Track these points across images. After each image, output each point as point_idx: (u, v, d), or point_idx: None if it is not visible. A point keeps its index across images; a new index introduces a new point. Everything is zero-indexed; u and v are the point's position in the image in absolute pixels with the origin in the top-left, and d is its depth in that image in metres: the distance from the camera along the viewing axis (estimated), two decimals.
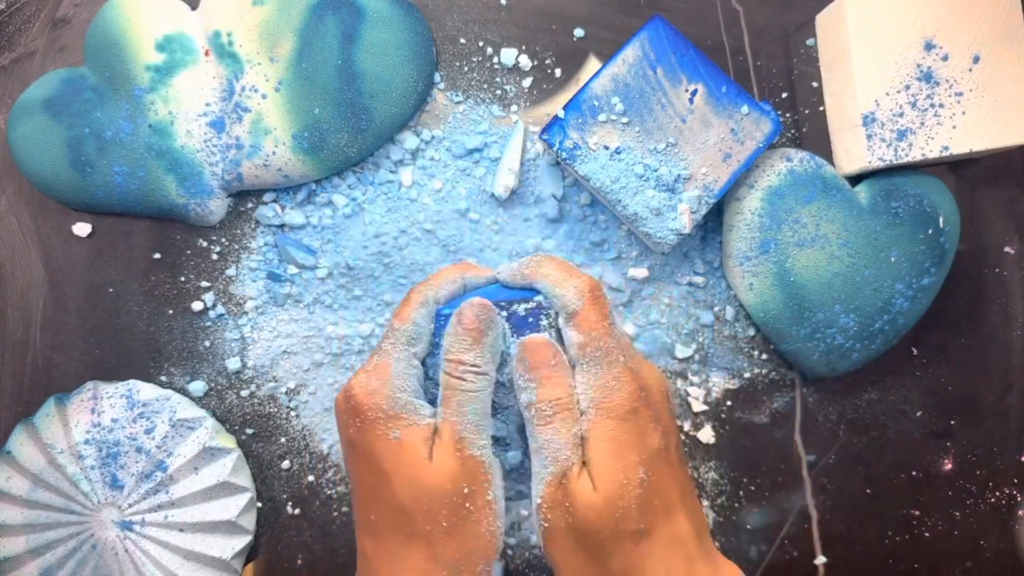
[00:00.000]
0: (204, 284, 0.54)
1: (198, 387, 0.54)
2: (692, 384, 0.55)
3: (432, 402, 0.40)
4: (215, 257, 0.54)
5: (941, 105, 0.50)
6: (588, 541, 0.37)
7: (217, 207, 0.53)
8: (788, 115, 0.55)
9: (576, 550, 0.37)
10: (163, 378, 0.54)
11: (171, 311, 0.54)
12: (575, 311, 0.40)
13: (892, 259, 0.51)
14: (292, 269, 0.54)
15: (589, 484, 0.37)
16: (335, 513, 0.55)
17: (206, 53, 0.51)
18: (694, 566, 0.38)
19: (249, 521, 0.53)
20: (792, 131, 0.55)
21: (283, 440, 0.55)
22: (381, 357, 0.40)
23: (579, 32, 0.54)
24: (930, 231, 0.51)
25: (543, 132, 0.50)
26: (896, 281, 0.51)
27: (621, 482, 0.37)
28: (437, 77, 0.54)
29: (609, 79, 0.49)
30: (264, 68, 0.50)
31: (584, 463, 0.38)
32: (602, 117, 0.49)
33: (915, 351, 0.56)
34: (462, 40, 0.54)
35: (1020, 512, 0.57)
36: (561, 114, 0.49)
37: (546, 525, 0.38)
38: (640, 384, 0.39)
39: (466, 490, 0.37)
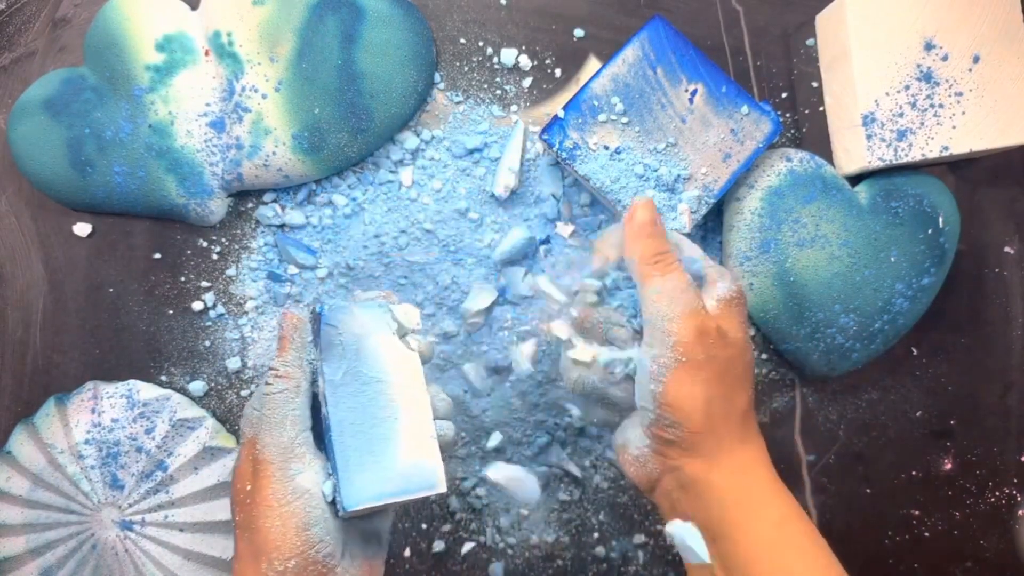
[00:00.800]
0: (204, 284, 0.54)
1: (198, 387, 0.54)
2: None
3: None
4: (215, 257, 0.54)
5: (941, 105, 0.50)
6: (735, 368, 0.42)
7: (217, 207, 0.53)
8: (788, 115, 0.55)
9: (720, 381, 0.41)
10: (163, 378, 0.54)
11: (171, 311, 0.54)
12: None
13: (892, 259, 0.51)
14: (292, 269, 0.54)
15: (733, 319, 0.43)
16: None
17: (206, 53, 0.51)
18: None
19: None
20: (792, 131, 0.55)
21: None
22: None
23: (579, 32, 0.54)
24: (930, 231, 0.51)
25: (543, 132, 0.50)
26: (896, 281, 0.51)
27: (746, 329, 0.44)
28: (437, 77, 0.54)
29: (609, 79, 0.49)
30: (264, 68, 0.50)
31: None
32: (602, 117, 0.49)
33: (915, 351, 0.56)
34: (462, 40, 0.54)
35: (1020, 512, 0.57)
36: (561, 114, 0.49)
37: (684, 359, 0.41)
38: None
39: (248, 487, 0.38)
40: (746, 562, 0.39)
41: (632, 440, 0.44)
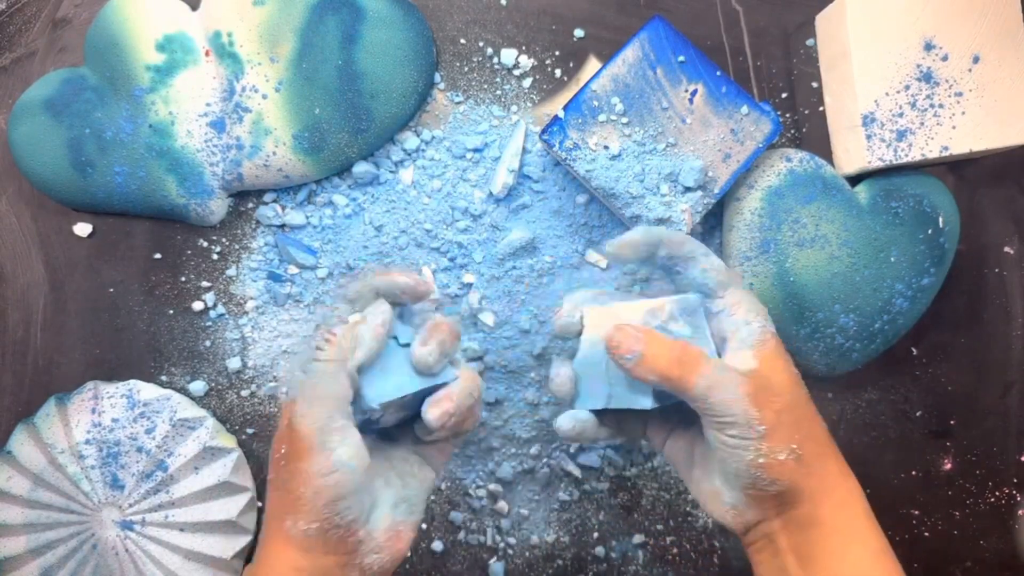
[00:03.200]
0: (204, 284, 0.54)
1: (198, 387, 0.54)
2: None
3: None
4: (215, 257, 0.54)
5: (941, 105, 0.50)
6: (799, 409, 0.42)
7: (217, 207, 0.53)
8: (788, 115, 0.55)
9: (797, 430, 0.41)
10: (163, 378, 0.54)
11: (171, 311, 0.54)
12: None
13: (892, 259, 0.51)
14: (292, 269, 0.54)
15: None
16: None
17: (206, 53, 0.51)
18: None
19: (249, 521, 0.53)
20: (792, 131, 0.55)
21: None
22: None
23: (579, 32, 0.54)
24: (930, 231, 0.51)
25: (543, 132, 0.50)
26: (896, 281, 0.51)
27: (787, 364, 0.43)
28: (437, 77, 0.54)
29: (609, 79, 0.49)
30: (264, 68, 0.50)
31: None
32: (602, 117, 0.49)
33: (915, 351, 0.56)
34: (462, 40, 0.54)
35: (1020, 512, 0.57)
36: (561, 114, 0.49)
37: (761, 431, 0.40)
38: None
39: (284, 450, 0.39)
40: None
41: (724, 492, 0.42)
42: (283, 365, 0.54)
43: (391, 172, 0.53)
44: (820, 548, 0.41)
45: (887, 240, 0.51)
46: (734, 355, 0.42)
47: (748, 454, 0.40)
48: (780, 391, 0.41)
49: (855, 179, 0.53)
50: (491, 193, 0.53)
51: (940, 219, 0.51)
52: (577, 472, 0.55)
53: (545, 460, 0.55)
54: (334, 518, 0.38)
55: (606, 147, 0.49)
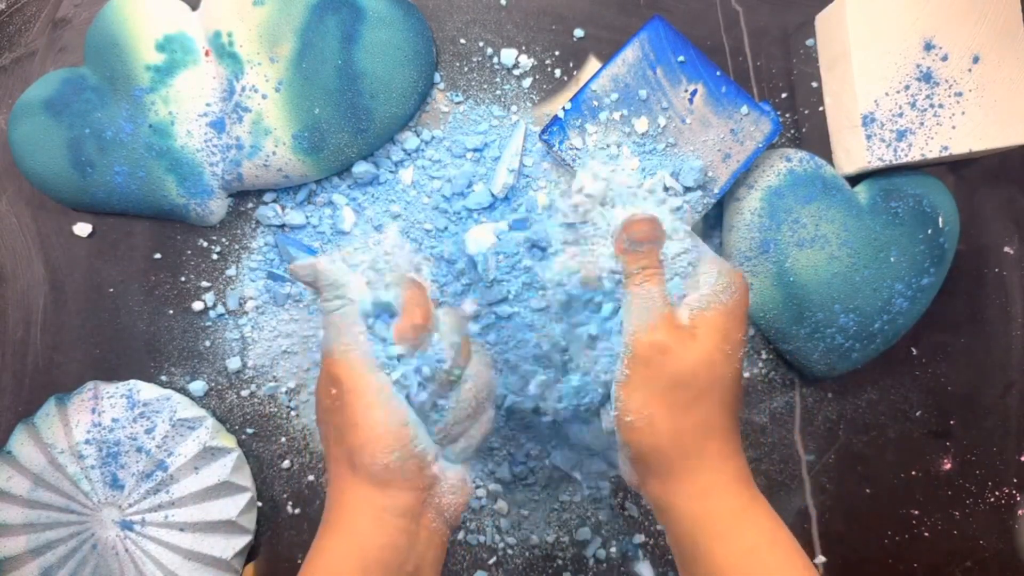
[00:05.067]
0: (204, 284, 0.54)
1: (198, 387, 0.54)
2: None
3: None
4: (215, 257, 0.54)
5: (941, 105, 0.50)
6: (698, 381, 0.39)
7: (217, 207, 0.53)
8: (788, 115, 0.55)
9: (670, 395, 0.39)
10: (163, 378, 0.54)
11: (171, 311, 0.54)
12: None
13: (891, 259, 0.51)
14: None
15: (692, 332, 0.40)
16: None
17: (206, 53, 0.51)
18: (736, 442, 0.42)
19: (249, 521, 0.53)
20: (792, 131, 0.55)
21: (283, 440, 0.55)
22: None
23: (579, 32, 0.54)
24: (929, 231, 0.51)
25: (543, 132, 0.50)
26: (895, 281, 0.51)
27: (720, 342, 0.40)
28: (437, 77, 0.54)
29: (609, 79, 0.49)
30: (264, 68, 0.50)
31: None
32: (602, 117, 0.49)
33: (915, 351, 0.56)
34: (462, 40, 0.54)
35: (1020, 512, 0.57)
36: (561, 114, 0.49)
37: (628, 373, 0.40)
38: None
39: (334, 391, 0.39)
40: None
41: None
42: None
43: (391, 172, 0.53)
44: (691, 543, 0.39)
45: (887, 240, 0.51)
46: (685, 301, 0.42)
47: (616, 394, 0.40)
48: (678, 358, 0.39)
49: (855, 179, 0.53)
50: (491, 193, 0.53)
51: (940, 219, 0.51)
52: (579, 476, 0.55)
53: (546, 460, 0.55)
54: (409, 445, 0.38)
55: (606, 147, 0.49)
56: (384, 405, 0.38)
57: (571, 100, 0.49)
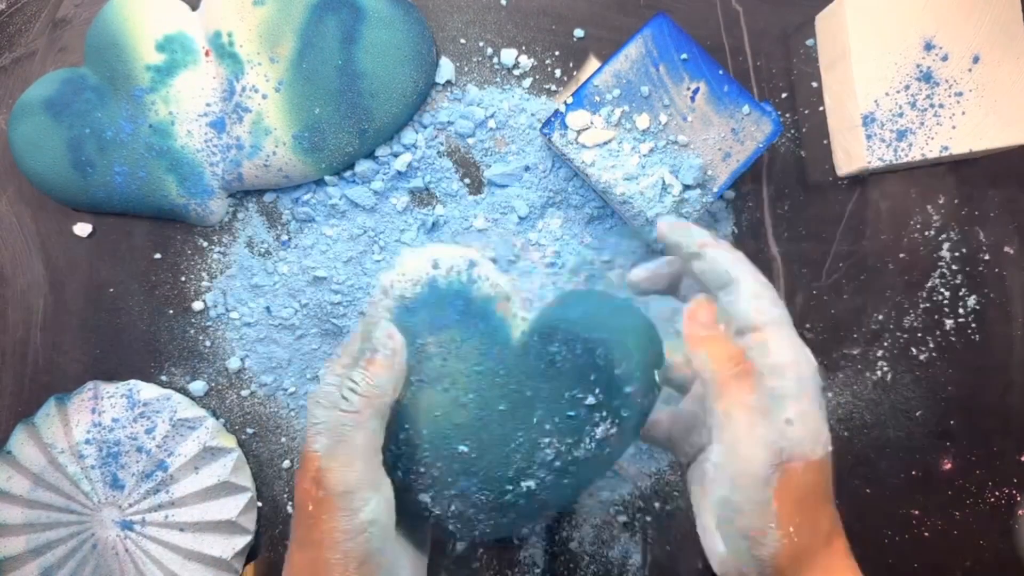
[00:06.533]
0: (204, 284, 0.54)
1: (198, 387, 0.54)
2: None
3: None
4: (215, 257, 0.54)
5: (941, 105, 0.50)
6: (817, 485, 0.38)
7: (217, 207, 0.53)
8: (788, 115, 0.55)
9: (805, 500, 0.38)
10: (163, 378, 0.54)
11: (171, 311, 0.54)
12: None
13: (535, 419, 0.40)
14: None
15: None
16: None
17: (206, 53, 0.51)
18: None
19: (249, 521, 0.53)
20: (792, 131, 0.55)
21: (283, 440, 0.55)
22: None
23: (579, 32, 0.54)
24: (596, 391, 0.39)
25: (543, 126, 0.50)
26: (536, 445, 0.40)
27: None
28: (452, 75, 0.54)
29: (611, 75, 0.49)
30: (264, 68, 0.50)
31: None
32: (603, 112, 0.49)
33: (915, 351, 0.56)
34: (462, 40, 0.54)
35: (1020, 512, 0.57)
36: (562, 108, 0.49)
37: (778, 475, 0.37)
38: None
39: (310, 507, 0.37)
40: None
41: (716, 537, 0.39)
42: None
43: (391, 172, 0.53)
44: None
45: (533, 393, 0.40)
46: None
47: (744, 520, 0.37)
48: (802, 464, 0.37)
49: (855, 179, 0.53)
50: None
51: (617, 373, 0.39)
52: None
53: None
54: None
55: (606, 142, 0.49)
56: (352, 542, 0.36)
57: (573, 94, 0.49)
